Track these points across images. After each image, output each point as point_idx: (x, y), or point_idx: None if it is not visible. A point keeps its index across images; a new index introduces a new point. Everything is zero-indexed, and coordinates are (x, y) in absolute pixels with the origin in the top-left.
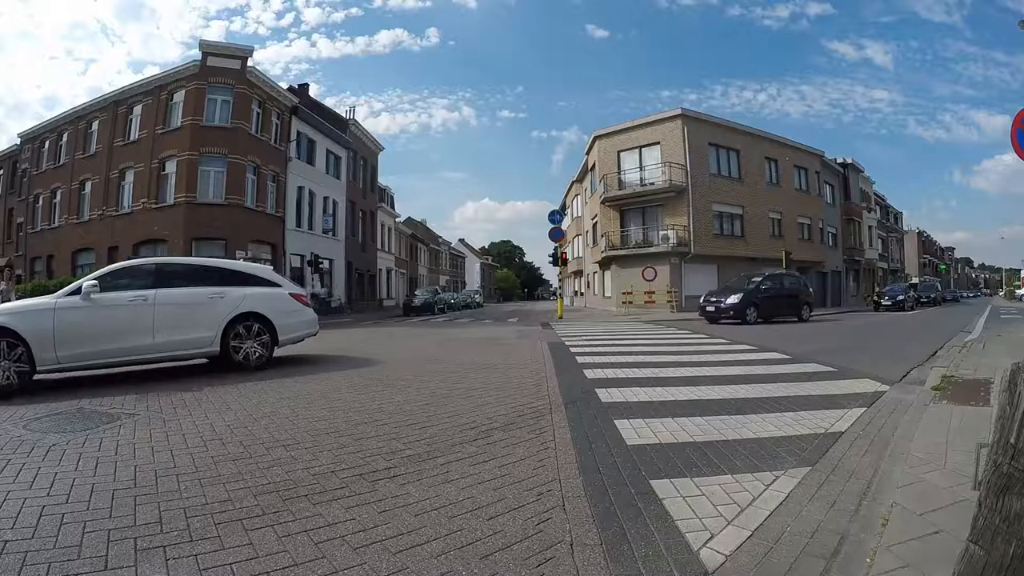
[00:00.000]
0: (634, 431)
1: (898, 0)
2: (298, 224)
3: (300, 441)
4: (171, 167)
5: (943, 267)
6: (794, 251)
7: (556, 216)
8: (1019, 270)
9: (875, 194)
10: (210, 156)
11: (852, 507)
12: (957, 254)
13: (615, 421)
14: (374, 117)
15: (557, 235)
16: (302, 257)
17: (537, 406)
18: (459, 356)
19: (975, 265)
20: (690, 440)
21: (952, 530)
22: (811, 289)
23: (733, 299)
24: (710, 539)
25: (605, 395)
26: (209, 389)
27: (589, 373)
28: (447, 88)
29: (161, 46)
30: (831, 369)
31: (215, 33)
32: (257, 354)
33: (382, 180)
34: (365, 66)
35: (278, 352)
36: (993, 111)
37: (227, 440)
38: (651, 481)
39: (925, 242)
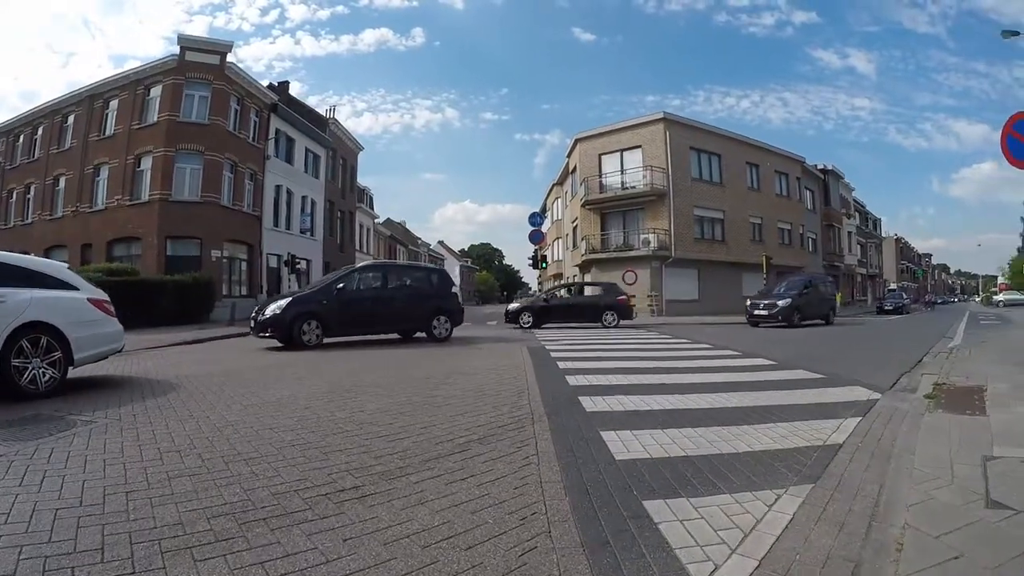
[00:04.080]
0: (622, 444)
1: (883, 10)
2: (275, 223)
3: (263, 455)
4: (146, 163)
5: (920, 272)
6: (775, 256)
7: (536, 218)
8: (995, 276)
9: (854, 200)
10: (186, 153)
11: (862, 529)
12: (934, 260)
13: (601, 433)
14: (356, 117)
15: (537, 238)
16: (279, 257)
17: (518, 416)
18: (437, 361)
19: (951, 271)
20: (682, 454)
21: (972, 554)
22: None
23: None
24: (715, 571)
25: (589, 404)
26: (173, 395)
27: (572, 380)
28: (431, 89)
29: (143, 40)
30: (819, 376)
31: (198, 28)
32: (48, 376)
33: (362, 180)
34: (349, 65)
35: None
36: (972, 120)
37: (185, 452)
38: (644, 502)
39: (903, 248)
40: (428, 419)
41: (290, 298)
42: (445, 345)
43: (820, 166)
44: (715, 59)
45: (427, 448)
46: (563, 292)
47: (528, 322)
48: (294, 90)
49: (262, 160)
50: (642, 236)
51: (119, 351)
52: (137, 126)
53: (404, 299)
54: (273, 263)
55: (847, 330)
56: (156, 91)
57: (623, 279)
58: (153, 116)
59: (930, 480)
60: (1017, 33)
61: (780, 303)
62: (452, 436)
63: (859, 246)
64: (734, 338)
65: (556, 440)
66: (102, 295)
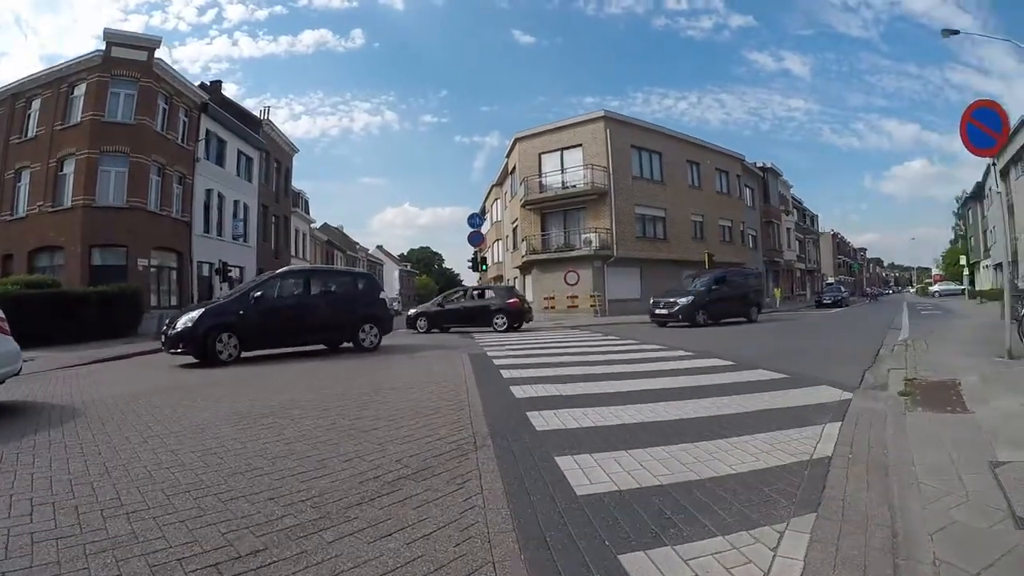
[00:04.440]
0: (583, 473)
1: (817, 14)
2: (206, 229)
3: (150, 504)
4: (69, 167)
5: (856, 267)
6: (716, 253)
7: (475, 219)
8: (928, 268)
9: (793, 197)
10: (111, 155)
11: (889, 570)
12: (868, 254)
13: (557, 459)
14: (294, 120)
15: (476, 239)
16: (210, 265)
17: (458, 440)
18: (366, 375)
19: (885, 264)
20: (656, 483)
21: None
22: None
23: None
24: None
25: (540, 420)
26: (69, 426)
27: (518, 391)
28: (370, 91)
29: (76, 40)
30: (782, 376)
31: (135, 27)
32: None
33: (298, 184)
34: (287, 67)
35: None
36: (903, 120)
37: (61, 505)
38: (620, 557)
39: (839, 243)
40: (353, 448)
41: (202, 309)
42: (374, 355)
43: (759, 164)
44: (654, 61)
45: (349, 489)
46: (459, 297)
47: (423, 327)
48: (230, 92)
49: (192, 162)
50: (583, 236)
51: (15, 373)
52: (60, 127)
53: (328, 307)
54: (205, 271)
55: (790, 325)
56: (80, 89)
57: (565, 279)
58: (77, 116)
59: (942, 497)
60: (957, 32)
61: (680, 301)
62: (380, 470)
63: (798, 242)
64: (683, 338)
65: (504, 471)
66: None
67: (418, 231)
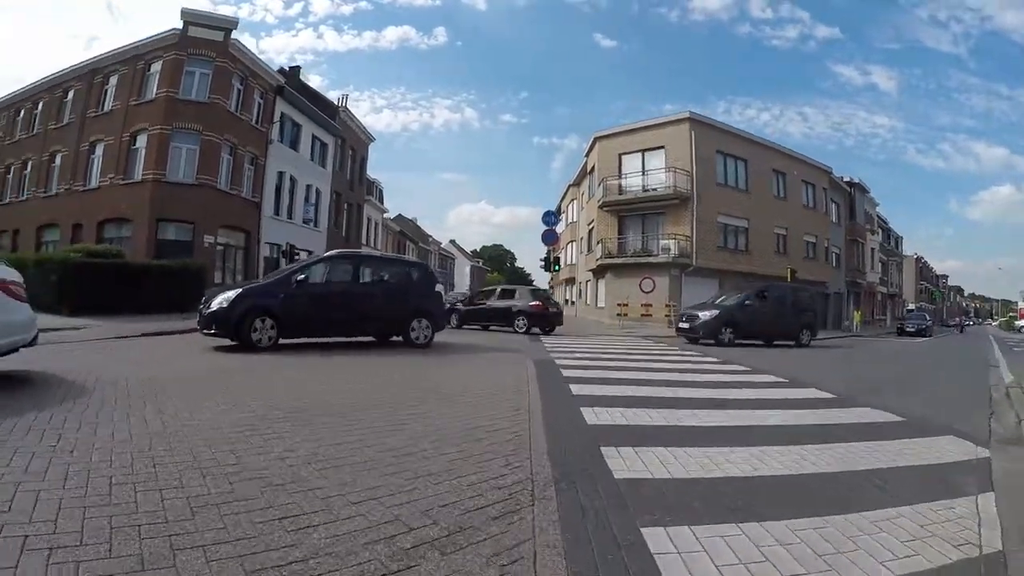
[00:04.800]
0: (685, 567)
1: (905, 28)
2: (276, 211)
3: (88, 541)
4: (142, 141)
5: (937, 294)
6: (799, 269)
7: (550, 217)
8: (1011, 301)
9: (878, 216)
10: (183, 131)
11: None
12: (949, 282)
13: (645, 532)
14: (376, 113)
15: (550, 238)
16: (278, 247)
17: (509, 485)
18: (412, 377)
19: (966, 294)
20: None
21: None
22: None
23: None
24: None
25: (619, 463)
26: (60, 409)
27: (589, 414)
28: (451, 89)
29: (167, 27)
30: (896, 418)
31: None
32: None
33: (373, 174)
34: (371, 61)
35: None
36: (992, 143)
37: None
38: None
39: (922, 268)
40: (372, 484)
41: (239, 290)
42: (425, 353)
43: (847, 179)
44: (736, 70)
45: (342, 558)
46: (490, 296)
47: (454, 323)
48: (314, 84)
49: (265, 144)
50: (662, 242)
51: (28, 344)
52: (135, 102)
53: (378, 296)
54: (272, 253)
55: (876, 354)
56: (156, 67)
57: (640, 286)
58: (151, 92)
59: None
60: None
61: (703, 315)
62: (397, 525)
63: (881, 264)
64: (767, 359)
65: (571, 549)
66: (11, 275)
67: (493, 229)
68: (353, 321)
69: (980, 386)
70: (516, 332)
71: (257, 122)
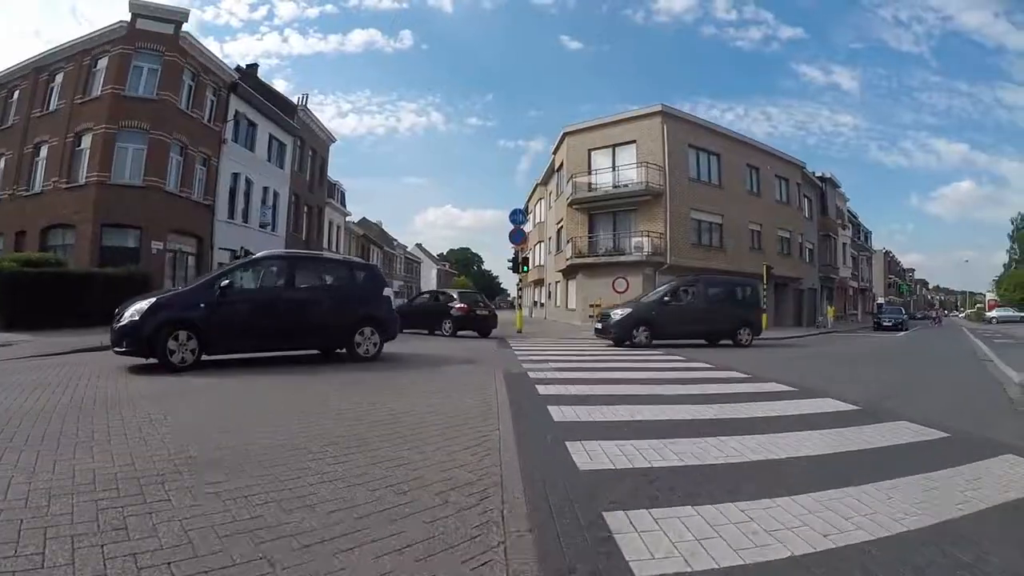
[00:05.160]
0: None
1: (869, 28)
2: (231, 215)
3: None
4: (86, 142)
5: (904, 287)
6: (774, 266)
7: (517, 215)
8: (977, 293)
9: (849, 211)
10: (129, 131)
11: None
12: (914, 276)
13: None
14: (341, 117)
15: (518, 237)
16: (232, 252)
17: None
18: (354, 401)
19: (930, 286)
20: None
21: None
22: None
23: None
24: None
25: (632, 539)
26: None
27: (579, 452)
28: (417, 92)
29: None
30: (934, 433)
31: (189, 28)
32: None
33: (337, 178)
34: (336, 65)
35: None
36: (952, 139)
37: None
38: None
39: (890, 262)
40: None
41: (152, 299)
42: (373, 367)
43: (818, 173)
44: (701, 71)
45: None
46: (426, 298)
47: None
48: (279, 88)
49: (218, 144)
50: (634, 240)
51: None
52: (80, 100)
53: (318, 303)
54: (226, 259)
55: (864, 350)
56: (103, 62)
57: (613, 286)
58: (97, 90)
59: None
60: None
61: (615, 314)
62: None
63: (852, 259)
64: (759, 362)
65: None
66: None
67: (459, 232)
68: (288, 332)
69: (990, 384)
70: (444, 335)
71: (210, 120)
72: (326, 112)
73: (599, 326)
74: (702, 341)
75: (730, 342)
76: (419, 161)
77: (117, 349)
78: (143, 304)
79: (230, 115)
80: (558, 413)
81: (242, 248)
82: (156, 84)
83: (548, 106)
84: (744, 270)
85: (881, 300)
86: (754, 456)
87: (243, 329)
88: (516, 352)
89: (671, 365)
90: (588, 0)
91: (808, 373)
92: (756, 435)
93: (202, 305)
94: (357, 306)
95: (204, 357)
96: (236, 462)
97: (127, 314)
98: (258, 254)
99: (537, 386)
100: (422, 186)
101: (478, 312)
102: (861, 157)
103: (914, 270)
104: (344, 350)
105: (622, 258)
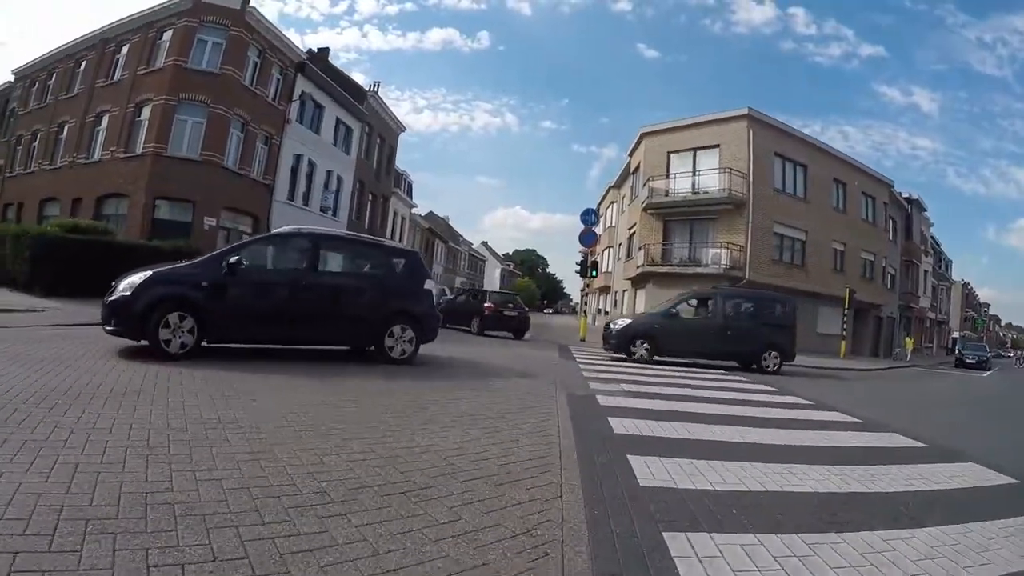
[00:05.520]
0: None
1: (952, 50)
2: (291, 197)
3: None
4: (146, 113)
5: (980, 323)
6: (857, 290)
7: (589, 216)
8: None
9: (932, 238)
10: (189, 103)
11: None
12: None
13: None
14: (416, 113)
15: (589, 239)
16: None
17: None
18: (373, 422)
19: (1002, 323)
20: None
21: None
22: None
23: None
24: None
25: None
26: None
27: (675, 544)
28: (492, 93)
29: None
30: None
31: (268, 14)
32: None
33: (410, 173)
34: (413, 61)
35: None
36: None
37: None
38: None
39: (968, 295)
40: None
41: (148, 272)
42: (402, 375)
43: (905, 194)
44: (778, 86)
45: None
46: (464, 297)
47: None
48: (357, 81)
49: (282, 123)
50: (712, 251)
51: None
52: (143, 71)
53: (345, 291)
54: None
55: (970, 391)
56: (168, 35)
57: None
58: (160, 61)
59: None
60: None
61: (615, 325)
62: None
63: (932, 288)
64: (861, 398)
65: None
66: None
67: (527, 234)
68: (307, 323)
69: None
70: (472, 332)
71: (275, 99)
72: (402, 107)
73: (605, 334)
74: (732, 363)
75: (756, 366)
76: (491, 161)
77: (107, 327)
78: (135, 278)
79: (296, 95)
80: (644, 470)
81: (296, 229)
82: (220, 59)
83: (623, 113)
84: (824, 292)
85: (956, 334)
86: None
87: (253, 315)
88: (580, 365)
89: (768, 399)
90: (667, 9)
91: (927, 419)
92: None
93: (205, 284)
94: (391, 298)
95: (204, 344)
96: (209, 502)
97: (120, 288)
98: (278, 230)
99: (610, 420)
100: (493, 186)
101: (506, 312)
102: (938, 182)
103: (989, 305)
104: (374, 348)
105: (697, 269)
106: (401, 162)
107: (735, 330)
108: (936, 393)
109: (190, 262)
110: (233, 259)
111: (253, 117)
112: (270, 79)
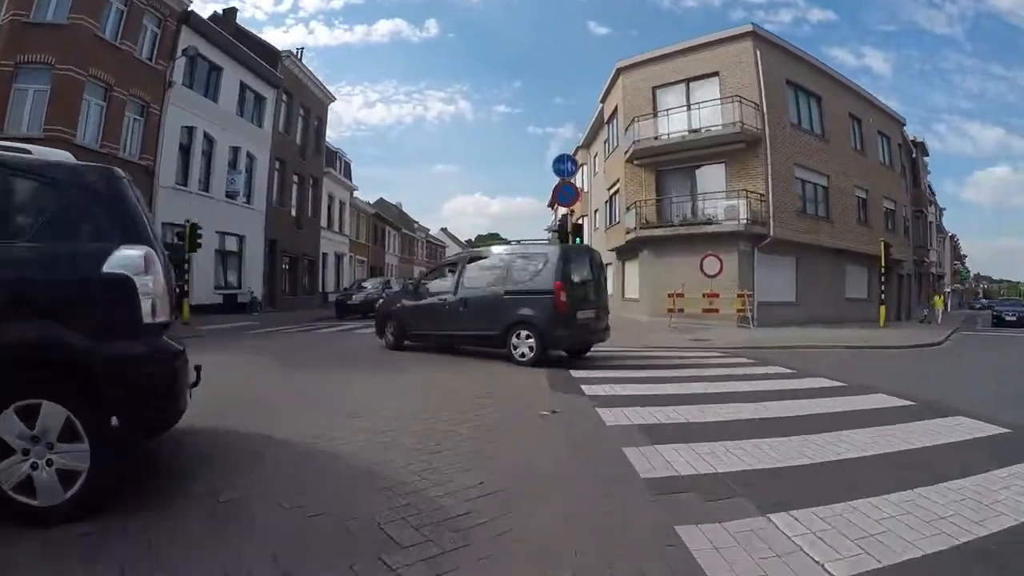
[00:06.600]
0: None
1: (900, 10)
2: (183, 180)
3: None
4: None
5: (964, 275)
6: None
7: (565, 164)
8: (1018, 282)
9: (929, 186)
10: (30, 68)
11: None
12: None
13: None
14: (369, 108)
15: (568, 195)
16: (176, 228)
17: None
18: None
19: (972, 275)
20: None
21: None
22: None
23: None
24: None
25: None
26: None
27: None
28: (444, 81)
29: None
30: None
31: (209, 14)
32: None
33: (364, 168)
34: (362, 55)
35: None
36: (987, 123)
37: None
38: None
39: (955, 247)
40: None
41: None
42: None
43: (912, 137)
44: None
45: None
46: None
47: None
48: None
49: (162, 88)
50: (724, 203)
51: None
52: None
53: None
54: (169, 235)
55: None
56: None
57: (701, 267)
58: None
59: None
60: None
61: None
62: None
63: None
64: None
65: None
66: None
67: (489, 220)
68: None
69: None
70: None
71: (151, 58)
72: (354, 103)
73: None
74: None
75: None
76: (448, 149)
77: None
78: None
79: (178, 53)
80: None
81: (187, 221)
82: (69, 7)
83: (577, 93)
84: (849, 248)
85: (948, 288)
86: None
87: None
88: (587, 393)
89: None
90: None
91: None
92: None
93: None
94: None
95: None
96: None
97: None
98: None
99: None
100: (451, 174)
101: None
102: None
103: (966, 256)
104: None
105: (707, 228)
106: (357, 159)
107: (474, 304)
108: None
109: None
110: None
111: (119, 80)
112: (142, 31)
